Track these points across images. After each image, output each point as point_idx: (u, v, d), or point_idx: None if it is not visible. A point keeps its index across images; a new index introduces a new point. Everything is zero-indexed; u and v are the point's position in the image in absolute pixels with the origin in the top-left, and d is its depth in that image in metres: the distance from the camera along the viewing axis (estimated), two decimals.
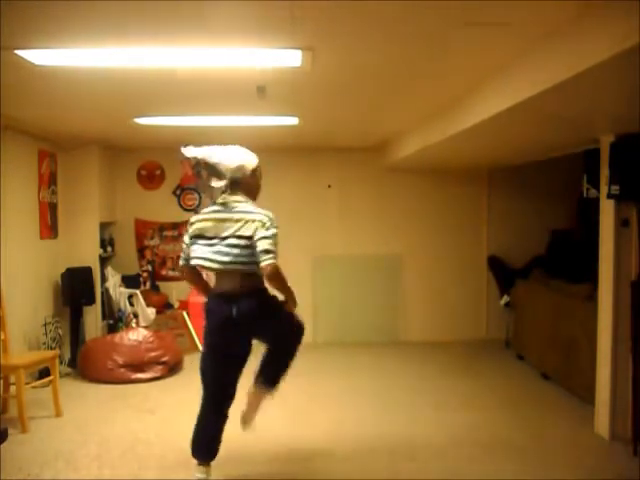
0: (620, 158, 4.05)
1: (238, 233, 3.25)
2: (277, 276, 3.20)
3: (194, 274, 3.54)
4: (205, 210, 3.44)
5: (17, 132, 5.53)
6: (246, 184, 3.43)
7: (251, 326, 3.34)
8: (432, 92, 4.29)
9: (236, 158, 3.41)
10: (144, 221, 7.62)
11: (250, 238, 3.23)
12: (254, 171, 3.47)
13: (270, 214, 3.31)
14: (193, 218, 3.45)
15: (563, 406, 5.07)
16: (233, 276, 3.31)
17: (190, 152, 3.43)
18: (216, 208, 3.39)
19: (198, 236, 3.35)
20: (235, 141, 6.30)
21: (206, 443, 3.46)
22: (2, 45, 2.99)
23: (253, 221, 3.25)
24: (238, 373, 3.45)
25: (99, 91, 4.18)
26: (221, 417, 3.46)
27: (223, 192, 3.41)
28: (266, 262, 3.14)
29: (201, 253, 3.33)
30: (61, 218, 6.57)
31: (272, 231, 3.24)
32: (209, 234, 3.32)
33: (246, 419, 3.53)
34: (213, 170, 3.40)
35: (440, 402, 5.20)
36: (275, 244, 3.22)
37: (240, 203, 3.36)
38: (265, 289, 3.40)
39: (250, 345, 3.44)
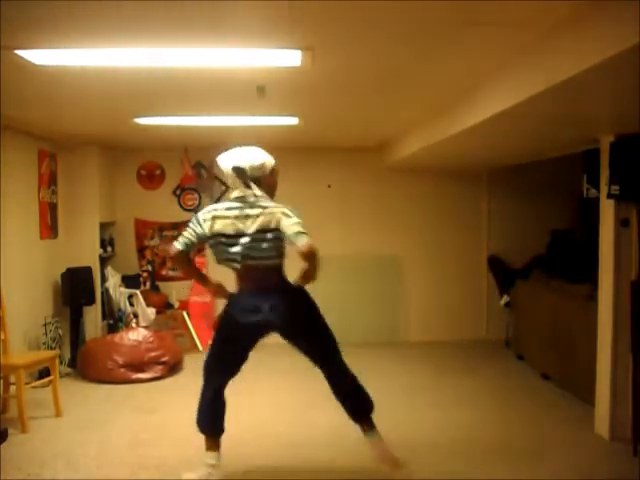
0: (620, 158, 4.05)
1: (264, 227, 3.27)
2: (315, 255, 3.23)
3: (188, 260, 3.53)
4: (219, 206, 3.40)
5: (17, 132, 5.52)
6: (266, 182, 3.47)
7: (287, 324, 3.38)
8: (432, 92, 4.29)
9: (258, 157, 3.46)
10: (144, 221, 7.61)
11: (276, 230, 3.26)
12: (273, 170, 3.54)
13: (289, 207, 3.36)
14: (207, 214, 3.36)
15: (563, 406, 5.06)
16: (262, 272, 3.34)
17: (226, 162, 3.41)
18: (234, 205, 3.36)
19: (218, 234, 3.33)
20: (235, 141, 6.31)
21: (211, 419, 3.54)
22: (2, 45, 2.99)
23: (275, 213, 3.29)
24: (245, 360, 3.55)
25: (99, 91, 4.18)
26: (221, 396, 3.56)
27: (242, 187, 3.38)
28: (303, 242, 3.18)
29: (228, 253, 3.32)
30: (61, 218, 6.57)
31: (297, 218, 3.29)
32: (231, 231, 3.31)
33: (390, 463, 3.49)
34: (239, 172, 3.38)
35: (440, 402, 5.20)
36: (303, 227, 3.26)
37: (259, 198, 3.36)
38: (291, 284, 3.44)
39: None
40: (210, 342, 3.65)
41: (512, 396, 5.40)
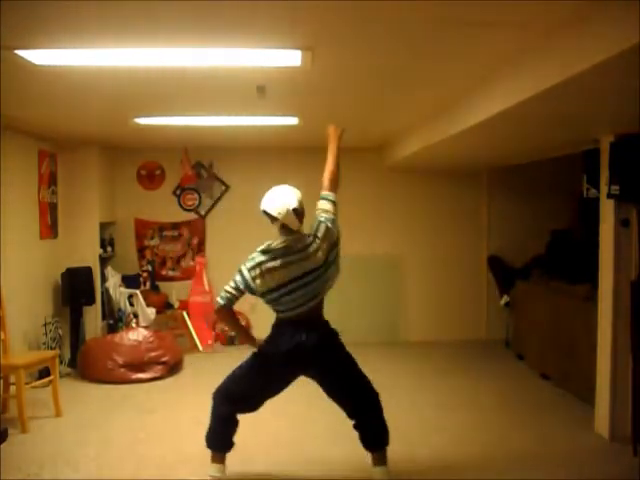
0: (620, 158, 4.05)
1: (314, 265, 3.31)
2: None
3: (232, 315, 3.48)
4: (265, 258, 3.34)
5: (17, 132, 5.53)
6: (301, 217, 3.46)
7: (322, 356, 3.41)
8: (432, 92, 4.29)
9: (296, 193, 3.48)
10: (144, 221, 7.61)
11: (322, 265, 3.33)
12: (302, 202, 3.50)
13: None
14: (255, 270, 3.32)
15: (563, 406, 5.06)
16: (312, 309, 3.37)
17: (271, 206, 3.38)
18: (280, 250, 3.33)
19: (273, 289, 3.32)
20: (235, 141, 6.30)
21: (222, 437, 3.53)
22: (2, 45, 2.99)
23: (317, 250, 3.34)
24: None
25: (99, 91, 4.18)
26: (236, 418, 3.56)
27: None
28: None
29: (289, 302, 3.32)
30: (61, 218, 6.58)
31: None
32: (285, 281, 3.30)
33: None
34: (296, 213, 3.39)
35: (440, 402, 5.20)
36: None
37: (299, 238, 3.38)
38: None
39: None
40: (239, 371, 3.55)
41: (512, 396, 5.40)
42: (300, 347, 3.30)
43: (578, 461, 3.94)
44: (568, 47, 2.67)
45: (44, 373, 5.17)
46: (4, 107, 4.56)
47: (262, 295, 3.37)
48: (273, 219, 3.37)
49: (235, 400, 3.49)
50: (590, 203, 4.95)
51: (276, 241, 3.37)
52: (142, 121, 5.38)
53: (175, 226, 7.61)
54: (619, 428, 4.22)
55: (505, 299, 7.16)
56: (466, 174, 7.66)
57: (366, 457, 3.57)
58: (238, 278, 3.35)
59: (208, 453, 3.56)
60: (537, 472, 3.77)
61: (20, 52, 3.11)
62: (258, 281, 3.31)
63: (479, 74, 3.68)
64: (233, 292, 3.34)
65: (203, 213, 7.61)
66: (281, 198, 3.37)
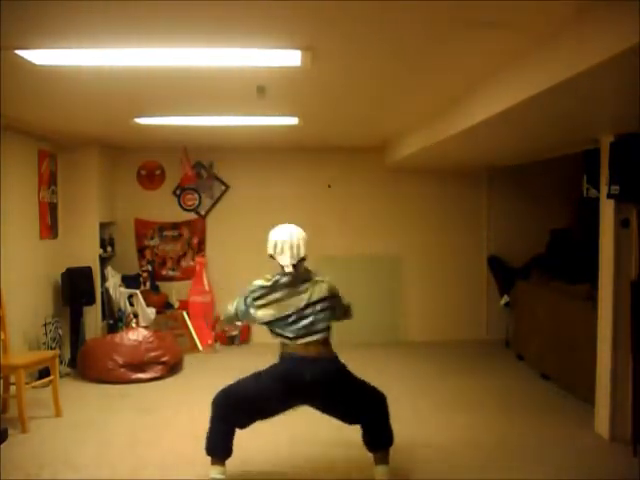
0: (620, 158, 4.05)
1: (319, 297, 3.38)
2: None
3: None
4: (269, 289, 3.40)
5: (17, 132, 5.53)
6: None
7: (327, 392, 3.41)
8: (432, 92, 4.29)
9: (303, 244, 3.47)
10: (144, 221, 7.61)
11: (329, 297, 3.41)
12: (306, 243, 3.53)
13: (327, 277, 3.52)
14: (261, 300, 3.39)
15: (563, 406, 5.06)
16: (318, 341, 3.39)
17: (284, 261, 3.42)
18: (285, 282, 3.39)
19: (276, 320, 3.38)
20: (235, 141, 6.31)
21: (222, 443, 3.49)
22: (2, 45, 2.99)
23: (322, 282, 3.43)
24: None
25: (99, 91, 4.18)
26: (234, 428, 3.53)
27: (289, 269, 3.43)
28: (352, 314, 3.78)
29: (290, 331, 3.36)
30: (61, 218, 6.58)
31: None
32: (289, 312, 3.36)
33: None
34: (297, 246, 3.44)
35: (440, 402, 5.20)
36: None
37: (304, 272, 3.45)
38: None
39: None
40: (245, 377, 3.54)
41: (512, 396, 5.40)
42: (300, 383, 3.32)
43: (578, 461, 3.94)
44: (568, 47, 2.67)
45: (44, 373, 5.16)
46: (4, 107, 4.56)
47: (265, 324, 3.43)
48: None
49: (233, 403, 3.46)
50: (590, 203, 4.95)
51: (284, 277, 3.40)
52: (142, 121, 5.38)
53: (175, 226, 7.62)
54: (619, 428, 4.22)
55: (505, 299, 7.16)
56: (466, 174, 7.66)
57: (367, 456, 3.56)
58: (242, 300, 3.45)
59: (214, 467, 3.53)
60: (537, 472, 3.77)
61: (20, 52, 3.11)
62: (261, 312, 3.40)
63: (479, 74, 3.68)
64: (235, 316, 3.52)
65: (203, 213, 7.61)
66: (293, 250, 3.41)
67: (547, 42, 2.86)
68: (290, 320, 3.35)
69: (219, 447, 3.49)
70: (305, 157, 7.55)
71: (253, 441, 4.09)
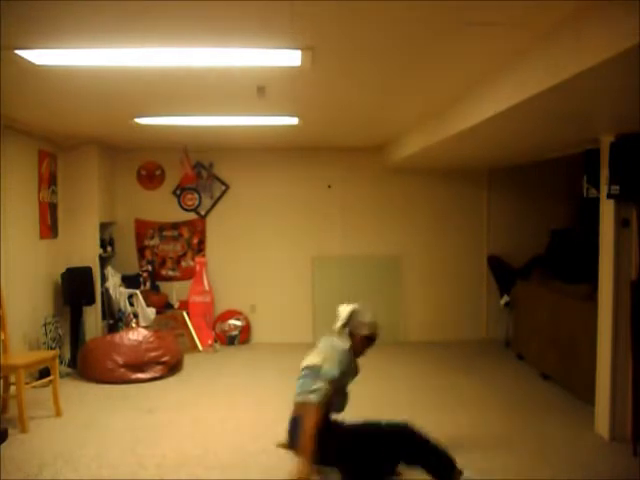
0: (620, 158, 4.05)
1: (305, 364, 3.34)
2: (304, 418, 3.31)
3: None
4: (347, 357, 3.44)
5: (17, 132, 5.53)
6: (354, 338, 3.47)
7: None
8: (432, 92, 4.29)
9: (369, 317, 3.49)
10: (144, 221, 7.62)
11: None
12: (366, 336, 3.47)
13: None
14: (344, 358, 3.39)
15: (563, 406, 5.06)
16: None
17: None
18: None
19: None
20: (235, 141, 6.32)
21: None
22: (2, 45, 3.00)
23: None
24: None
25: (99, 91, 4.18)
26: None
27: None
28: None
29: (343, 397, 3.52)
30: (61, 218, 6.58)
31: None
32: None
33: None
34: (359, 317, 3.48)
35: (440, 402, 5.20)
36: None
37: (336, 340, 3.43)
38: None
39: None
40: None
41: (512, 396, 5.40)
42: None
43: (578, 461, 3.94)
44: (568, 47, 2.67)
45: (44, 373, 5.17)
46: (4, 107, 4.56)
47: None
48: (368, 338, 3.46)
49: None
50: (590, 203, 4.95)
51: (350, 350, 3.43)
52: (142, 121, 5.38)
53: (175, 226, 7.62)
54: (619, 428, 4.22)
55: (505, 299, 7.17)
56: (466, 174, 7.66)
57: None
58: (331, 372, 3.27)
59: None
60: (537, 472, 3.77)
61: (20, 52, 3.12)
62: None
63: (479, 74, 3.69)
64: (327, 386, 3.23)
65: (203, 213, 7.61)
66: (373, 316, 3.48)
67: (547, 42, 2.86)
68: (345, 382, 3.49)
69: None
70: (305, 157, 7.56)
71: (254, 441, 4.07)
